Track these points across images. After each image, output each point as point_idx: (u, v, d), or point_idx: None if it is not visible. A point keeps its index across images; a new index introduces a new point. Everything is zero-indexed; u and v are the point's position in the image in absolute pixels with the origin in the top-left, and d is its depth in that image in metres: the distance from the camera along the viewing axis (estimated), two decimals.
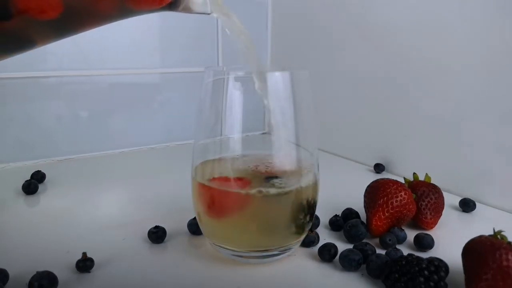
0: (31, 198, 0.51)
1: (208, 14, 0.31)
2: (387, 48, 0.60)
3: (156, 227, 0.39)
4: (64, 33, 0.27)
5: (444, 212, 0.43)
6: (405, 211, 0.40)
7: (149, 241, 0.39)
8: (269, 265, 0.36)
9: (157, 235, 0.39)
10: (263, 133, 0.34)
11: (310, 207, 0.35)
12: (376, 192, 0.40)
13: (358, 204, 0.43)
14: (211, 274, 0.34)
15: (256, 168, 0.35)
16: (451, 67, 0.52)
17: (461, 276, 0.32)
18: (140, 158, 0.70)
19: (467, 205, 0.48)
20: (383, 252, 0.36)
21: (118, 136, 0.72)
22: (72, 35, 0.27)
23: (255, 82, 0.32)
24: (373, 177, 0.56)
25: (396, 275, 0.31)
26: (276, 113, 0.33)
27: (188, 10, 0.29)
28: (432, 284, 0.30)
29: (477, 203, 0.48)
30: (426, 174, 0.45)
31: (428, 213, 0.42)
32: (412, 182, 0.44)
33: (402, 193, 0.40)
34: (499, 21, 0.46)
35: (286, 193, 0.33)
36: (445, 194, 0.44)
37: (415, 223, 0.42)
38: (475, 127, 0.50)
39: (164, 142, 0.76)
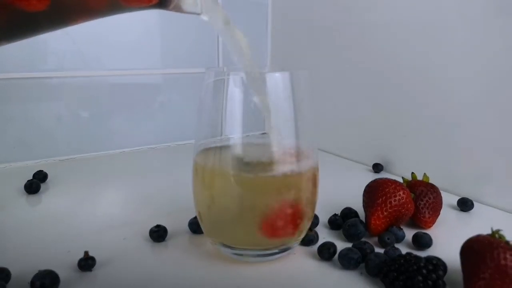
0: (33, 197, 0.51)
1: (198, 14, 0.31)
2: (386, 49, 0.60)
3: (157, 226, 0.40)
4: (53, 25, 0.27)
5: (442, 211, 0.43)
6: (403, 210, 0.40)
7: (150, 240, 0.39)
8: (269, 263, 0.36)
9: (158, 234, 0.39)
10: (263, 133, 0.34)
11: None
12: (375, 192, 0.40)
13: (357, 203, 0.43)
14: (212, 273, 0.35)
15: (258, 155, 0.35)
16: (450, 67, 0.52)
17: (459, 275, 0.32)
18: (141, 158, 0.70)
19: (465, 205, 0.48)
20: (381, 251, 0.36)
21: (119, 136, 0.72)
22: (63, 27, 0.27)
23: (249, 85, 0.32)
24: (371, 176, 0.56)
25: (395, 274, 0.31)
26: (274, 113, 0.33)
27: (178, 9, 0.29)
28: (430, 282, 0.30)
29: (475, 203, 0.48)
30: (425, 173, 0.45)
31: (427, 212, 0.42)
32: (410, 181, 0.44)
33: (401, 193, 0.40)
34: (499, 21, 0.46)
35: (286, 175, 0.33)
36: (443, 194, 0.44)
37: (414, 222, 0.43)
38: (473, 127, 0.50)
39: (165, 142, 0.76)
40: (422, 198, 0.42)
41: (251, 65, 0.32)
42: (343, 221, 0.42)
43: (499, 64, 0.47)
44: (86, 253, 0.35)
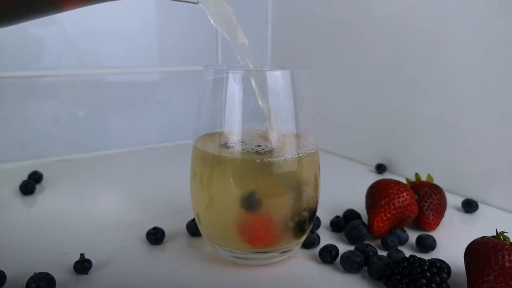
0: (29, 198, 0.51)
1: (195, 3, 0.31)
2: (389, 47, 0.60)
3: (155, 228, 0.39)
4: (47, 9, 0.26)
5: (446, 213, 0.43)
6: (407, 212, 0.40)
7: (148, 242, 0.39)
8: (269, 266, 0.35)
9: (155, 236, 0.39)
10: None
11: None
12: (378, 193, 0.40)
13: (359, 205, 0.43)
14: (210, 276, 0.34)
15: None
16: (453, 66, 0.52)
17: (464, 278, 0.32)
18: (139, 158, 0.70)
19: (469, 206, 0.47)
20: (384, 253, 0.36)
21: (116, 136, 0.72)
22: (56, 12, 0.27)
23: (252, 83, 0.32)
24: (374, 177, 0.56)
25: (398, 277, 0.31)
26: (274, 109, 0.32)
27: None
28: (434, 285, 0.30)
29: (479, 204, 0.48)
30: (428, 174, 0.45)
31: (430, 214, 0.42)
32: (414, 182, 0.44)
33: (404, 194, 0.39)
34: (500, 20, 0.46)
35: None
36: (447, 195, 0.44)
37: (417, 224, 0.42)
38: (478, 127, 0.50)
39: (163, 142, 0.76)
40: (426, 200, 0.42)
41: (250, 57, 0.32)
42: (345, 223, 0.42)
43: (505, 63, 0.47)
44: (82, 255, 0.34)
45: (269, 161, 0.32)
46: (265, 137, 0.34)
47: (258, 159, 0.32)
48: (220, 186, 0.33)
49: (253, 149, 0.33)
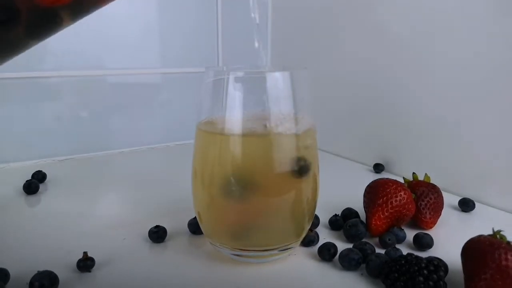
0: (32, 198, 0.51)
1: None
2: (387, 48, 0.60)
3: (157, 226, 0.40)
4: (78, 15, 0.27)
5: (443, 211, 0.43)
6: (404, 211, 0.40)
7: (150, 240, 0.39)
8: (269, 264, 0.36)
9: (157, 234, 0.39)
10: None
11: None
12: (376, 192, 0.40)
13: (357, 203, 0.43)
14: (211, 274, 0.35)
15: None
16: (451, 66, 0.52)
17: (461, 276, 0.32)
18: (140, 158, 0.70)
19: (466, 205, 0.48)
20: (382, 251, 0.36)
21: (119, 136, 0.72)
22: (90, 13, 0.27)
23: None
24: (372, 177, 0.56)
25: (396, 275, 0.31)
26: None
27: None
28: (431, 283, 0.30)
29: (476, 203, 0.48)
30: (426, 174, 0.45)
31: (428, 213, 0.42)
32: (411, 182, 0.44)
33: (402, 193, 0.40)
34: (500, 20, 0.46)
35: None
36: (444, 194, 0.44)
37: (415, 223, 0.43)
38: (475, 126, 0.50)
39: (164, 142, 0.76)
40: (423, 199, 0.42)
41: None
42: (343, 221, 0.42)
43: (502, 63, 0.47)
44: (85, 253, 0.35)
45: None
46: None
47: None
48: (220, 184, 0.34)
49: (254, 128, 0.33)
